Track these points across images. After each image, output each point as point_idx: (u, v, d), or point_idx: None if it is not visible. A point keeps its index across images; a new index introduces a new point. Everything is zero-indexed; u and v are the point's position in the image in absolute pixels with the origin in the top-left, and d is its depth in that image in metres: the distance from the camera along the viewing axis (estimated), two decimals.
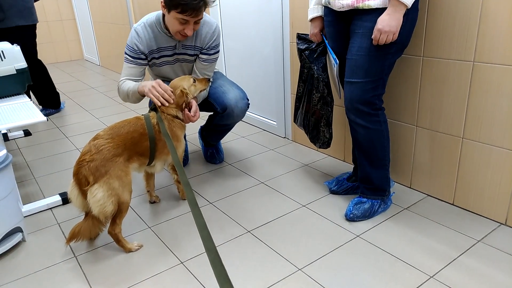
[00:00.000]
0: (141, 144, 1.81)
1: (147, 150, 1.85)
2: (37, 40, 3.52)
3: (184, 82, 2.03)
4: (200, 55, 2.24)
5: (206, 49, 2.23)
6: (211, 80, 2.33)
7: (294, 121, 2.22)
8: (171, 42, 2.17)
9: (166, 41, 2.17)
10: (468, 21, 1.71)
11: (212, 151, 2.65)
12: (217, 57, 2.30)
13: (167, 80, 2.31)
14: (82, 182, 1.65)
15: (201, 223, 1.00)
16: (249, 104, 2.35)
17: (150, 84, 1.97)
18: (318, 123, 2.08)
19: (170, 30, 2.09)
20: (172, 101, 1.94)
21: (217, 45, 2.26)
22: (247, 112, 3.30)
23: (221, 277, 0.83)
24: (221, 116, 2.32)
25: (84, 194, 1.66)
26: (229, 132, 3.09)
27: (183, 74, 2.34)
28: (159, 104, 1.92)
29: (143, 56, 2.16)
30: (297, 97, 2.13)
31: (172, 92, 1.95)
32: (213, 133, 2.56)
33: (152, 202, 2.18)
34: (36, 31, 3.46)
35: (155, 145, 1.86)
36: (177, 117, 1.97)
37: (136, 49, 2.13)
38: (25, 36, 3.31)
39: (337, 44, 1.89)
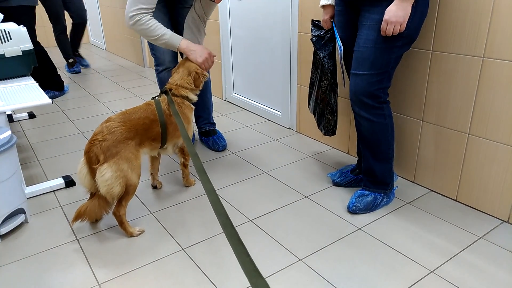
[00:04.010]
0: (152, 129, 1.85)
1: (159, 135, 1.88)
2: (43, 22, 3.50)
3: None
4: None
5: None
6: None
7: (308, 107, 2.23)
8: None
9: None
10: (479, 16, 1.69)
11: (213, 138, 2.66)
12: None
13: None
14: (93, 160, 1.67)
15: (209, 188, 1.04)
16: None
17: (205, 53, 2.05)
18: (324, 110, 2.08)
19: None
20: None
21: None
22: (252, 102, 3.29)
23: (233, 238, 0.85)
24: None
25: (92, 173, 1.68)
26: (233, 122, 3.10)
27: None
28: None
29: None
30: (310, 83, 2.14)
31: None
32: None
33: (154, 187, 2.18)
34: (41, 14, 3.44)
35: (166, 129, 1.90)
36: (187, 98, 2.02)
37: None
38: (26, 17, 3.28)
39: (346, 35, 1.87)
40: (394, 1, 1.58)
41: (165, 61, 2.42)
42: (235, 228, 0.88)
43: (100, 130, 1.71)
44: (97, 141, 1.67)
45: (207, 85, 2.58)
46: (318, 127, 2.19)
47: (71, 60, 4.73)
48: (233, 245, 0.83)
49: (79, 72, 4.80)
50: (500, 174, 1.79)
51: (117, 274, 1.57)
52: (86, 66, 5.07)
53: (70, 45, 4.75)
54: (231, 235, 0.86)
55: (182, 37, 2.07)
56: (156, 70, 2.52)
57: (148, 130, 1.83)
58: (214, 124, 2.74)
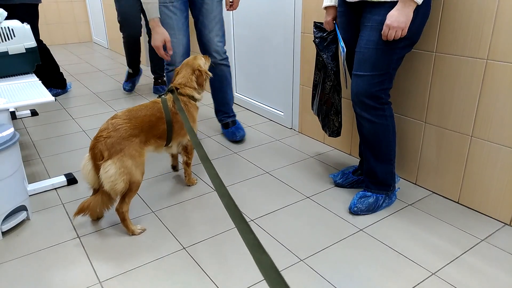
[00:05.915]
0: (158, 127, 1.86)
1: (164, 133, 1.90)
2: (46, 20, 3.49)
3: (200, 61, 2.11)
4: None
5: None
6: None
7: (312, 109, 2.23)
8: None
9: None
10: (483, 18, 1.69)
11: (231, 129, 2.75)
12: None
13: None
14: (97, 156, 1.68)
15: (213, 173, 1.07)
16: (226, 59, 2.63)
17: (158, 41, 2.25)
18: (328, 112, 2.08)
19: None
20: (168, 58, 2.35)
21: None
22: (254, 102, 3.29)
23: (236, 218, 0.89)
24: None
25: (97, 169, 1.69)
26: None
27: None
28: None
29: None
30: (314, 85, 2.14)
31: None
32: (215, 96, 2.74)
33: (173, 167, 2.37)
34: (44, 12, 3.43)
35: (172, 127, 1.91)
36: (193, 97, 2.04)
37: None
38: (28, 15, 3.29)
39: (348, 36, 1.87)
40: (396, 6, 1.58)
41: (176, 62, 2.45)
42: (238, 208, 0.90)
43: (106, 127, 1.72)
44: (102, 138, 1.69)
45: (226, 80, 2.66)
46: (323, 128, 2.19)
47: (130, 71, 3.96)
48: (237, 224, 0.86)
49: (131, 91, 3.94)
50: (503, 177, 1.79)
51: (118, 272, 1.58)
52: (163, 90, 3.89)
53: (154, 62, 3.94)
54: (235, 215, 0.89)
55: (158, 15, 2.24)
56: (165, 69, 2.55)
57: (154, 127, 1.84)
58: (233, 116, 2.81)
